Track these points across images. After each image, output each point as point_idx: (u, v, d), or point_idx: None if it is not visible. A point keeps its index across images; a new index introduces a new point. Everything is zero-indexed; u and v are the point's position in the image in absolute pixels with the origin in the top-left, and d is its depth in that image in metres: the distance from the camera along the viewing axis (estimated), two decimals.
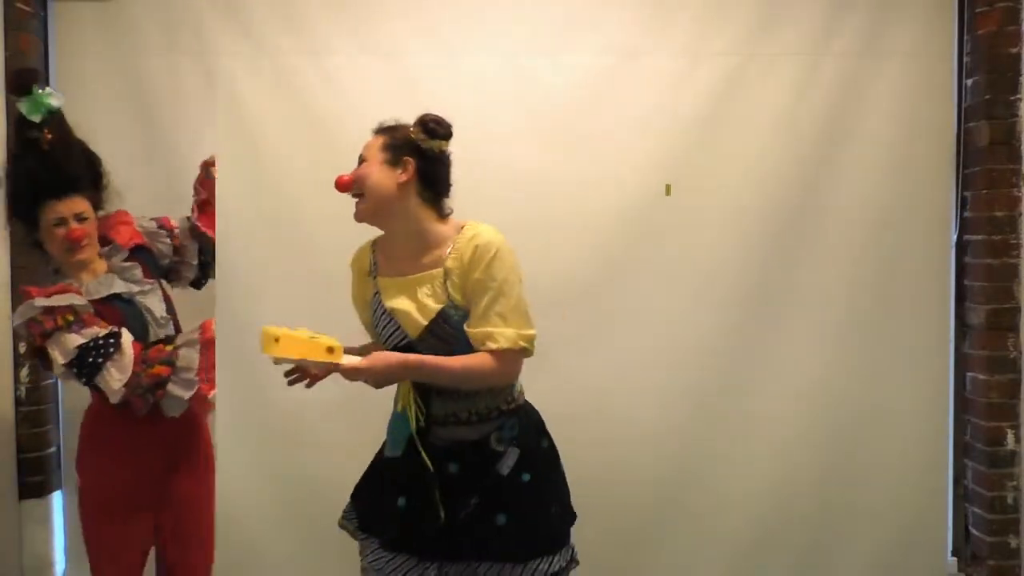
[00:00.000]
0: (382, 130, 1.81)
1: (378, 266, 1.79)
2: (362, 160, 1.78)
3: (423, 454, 1.67)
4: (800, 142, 2.41)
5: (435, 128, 1.78)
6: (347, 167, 2.39)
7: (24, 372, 2.36)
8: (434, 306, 1.67)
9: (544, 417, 1.83)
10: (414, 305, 1.69)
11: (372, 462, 1.89)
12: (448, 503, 1.67)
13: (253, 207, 2.40)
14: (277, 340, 1.65)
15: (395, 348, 1.71)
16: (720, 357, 2.43)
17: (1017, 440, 2.39)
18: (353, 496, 1.88)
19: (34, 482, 2.39)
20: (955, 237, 2.48)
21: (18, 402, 2.36)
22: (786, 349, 2.44)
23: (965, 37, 2.44)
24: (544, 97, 2.40)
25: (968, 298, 2.47)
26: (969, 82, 2.44)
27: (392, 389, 1.93)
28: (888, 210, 2.43)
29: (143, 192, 2.40)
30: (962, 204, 2.47)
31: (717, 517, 2.46)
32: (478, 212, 2.37)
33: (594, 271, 2.40)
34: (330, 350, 1.66)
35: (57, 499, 2.45)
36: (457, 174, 2.41)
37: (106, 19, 2.39)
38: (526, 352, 1.67)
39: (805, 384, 2.44)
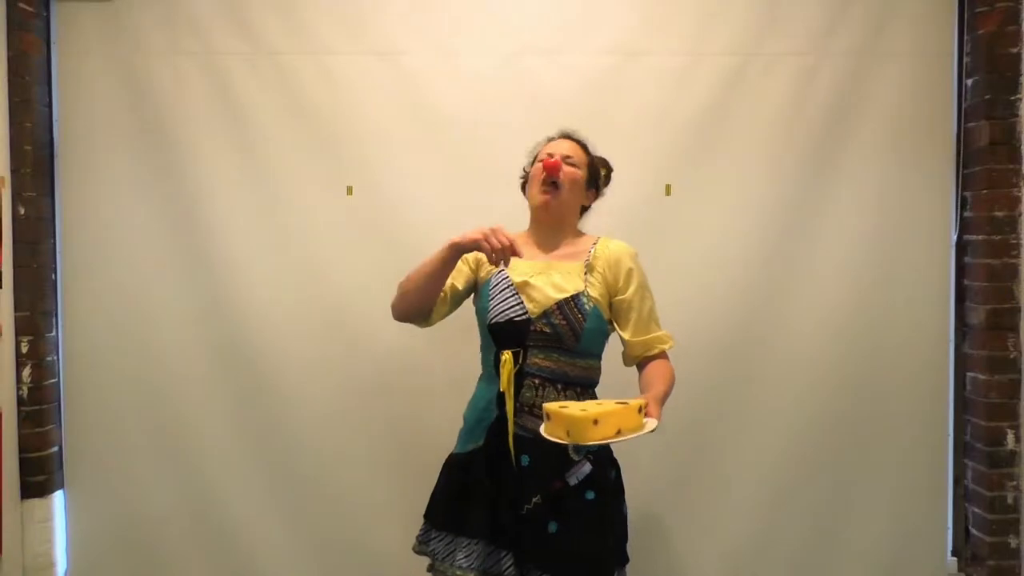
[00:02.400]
0: (583, 145, 1.95)
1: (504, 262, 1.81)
2: (565, 157, 1.87)
3: (509, 441, 1.72)
4: (800, 142, 2.41)
5: (607, 162, 2.00)
6: (347, 167, 2.42)
7: (26, 372, 2.37)
8: (570, 288, 1.77)
9: None
10: (548, 284, 1.78)
11: (443, 472, 1.90)
12: (513, 493, 1.70)
13: (252, 207, 2.41)
14: (596, 422, 1.45)
15: (506, 322, 1.77)
16: (720, 356, 2.43)
17: (1017, 440, 2.39)
18: (429, 514, 1.88)
19: (36, 482, 2.39)
20: (955, 237, 2.48)
21: (20, 402, 2.37)
22: (786, 349, 2.44)
23: (965, 37, 2.44)
24: (544, 97, 2.41)
25: (968, 298, 2.47)
26: (969, 82, 2.44)
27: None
28: (888, 210, 2.43)
29: (143, 192, 2.41)
30: (962, 204, 2.47)
31: (716, 517, 2.46)
32: (478, 212, 2.40)
33: None
34: (639, 409, 1.54)
35: (59, 499, 2.45)
36: (457, 174, 2.44)
37: (107, 19, 2.40)
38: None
39: (805, 383, 2.44)
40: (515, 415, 1.73)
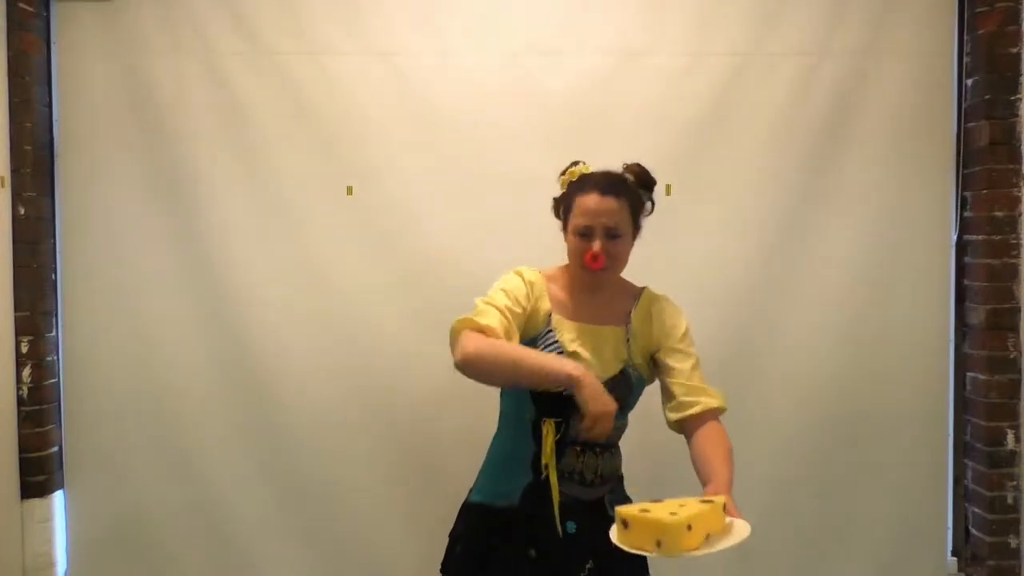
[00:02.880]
0: (621, 191, 1.66)
1: (552, 300, 1.68)
2: (607, 231, 1.63)
3: (555, 512, 1.61)
4: (800, 142, 2.41)
5: (649, 179, 1.75)
6: (347, 167, 2.42)
7: (26, 372, 2.37)
8: (616, 365, 1.65)
9: None
10: (596, 359, 1.64)
11: (465, 520, 1.74)
12: (565, 563, 1.62)
13: (252, 206, 2.41)
14: (689, 528, 1.28)
15: (555, 394, 1.56)
16: (719, 356, 2.42)
17: (1017, 440, 2.39)
18: (445, 566, 1.75)
19: (36, 482, 2.39)
20: (955, 237, 2.48)
21: (20, 402, 2.37)
22: (786, 349, 2.44)
23: (965, 37, 2.44)
24: (544, 97, 2.41)
25: (968, 298, 2.47)
26: (969, 82, 2.44)
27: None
28: (888, 210, 2.43)
29: (143, 192, 2.41)
30: (962, 204, 2.47)
31: None
32: (478, 212, 2.40)
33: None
34: (720, 506, 1.40)
35: (59, 499, 2.45)
36: (457, 174, 2.44)
37: (107, 19, 2.39)
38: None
39: (805, 384, 2.44)
40: (558, 481, 1.62)
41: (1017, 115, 2.35)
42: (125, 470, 2.44)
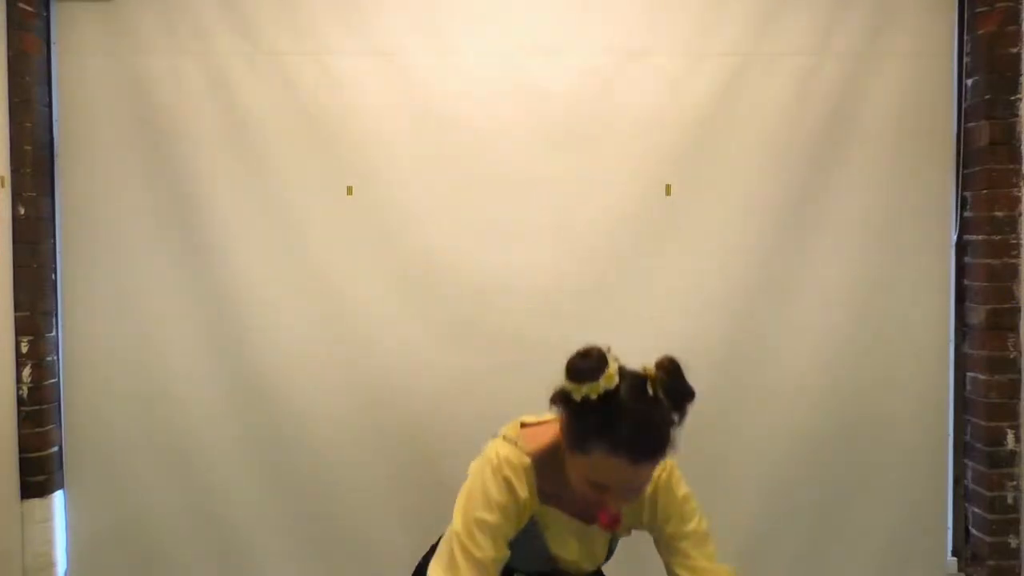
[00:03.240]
0: (660, 455, 1.28)
1: (544, 493, 1.37)
2: (632, 493, 1.31)
3: None
4: (800, 142, 2.41)
5: (684, 401, 1.28)
6: (347, 167, 2.42)
7: (26, 372, 2.37)
8: (602, 554, 1.46)
9: None
10: (583, 553, 1.43)
11: None
12: None
13: (252, 207, 2.41)
14: None
15: (533, 572, 1.45)
16: (719, 356, 2.43)
17: (1017, 440, 2.39)
18: None
19: (36, 482, 2.39)
20: (955, 237, 2.48)
21: (20, 402, 2.37)
22: (785, 349, 2.44)
23: (965, 37, 2.44)
24: (544, 97, 2.41)
25: (968, 298, 2.47)
26: (969, 82, 2.44)
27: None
28: (888, 210, 2.43)
29: (143, 192, 2.41)
30: (962, 204, 2.47)
31: (717, 517, 2.45)
32: (477, 211, 2.40)
33: (594, 271, 2.41)
34: None
35: (59, 499, 2.45)
36: (457, 174, 2.44)
37: (107, 19, 2.39)
38: None
39: (805, 383, 2.44)
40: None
41: (1017, 115, 2.35)
42: (125, 470, 2.44)
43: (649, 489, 1.36)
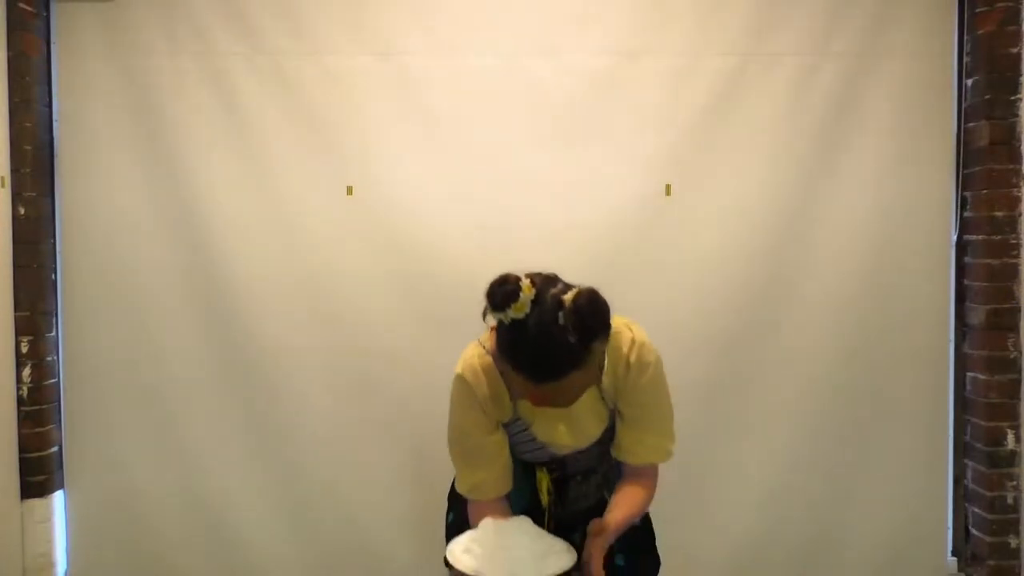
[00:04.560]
0: (560, 374, 1.32)
1: (509, 384, 1.47)
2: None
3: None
4: (800, 142, 2.41)
5: (595, 326, 1.31)
6: (347, 167, 2.42)
7: (26, 372, 2.37)
8: (596, 429, 1.53)
9: None
10: (573, 431, 1.51)
11: (461, 514, 1.61)
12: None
13: (252, 207, 2.41)
14: None
15: (538, 462, 1.57)
16: (719, 356, 2.43)
17: (1017, 440, 2.39)
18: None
19: (36, 482, 2.39)
20: (955, 237, 2.48)
21: (20, 402, 2.37)
22: (786, 349, 2.44)
23: (965, 37, 2.44)
24: (544, 97, 2.41)
25: (968, 298, 2.47)
26: (969, 82, 2.44)
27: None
28: (888, 210, 2.43)
29: (143, 192, 2.41)
30: (962, 204, 2.47)
31: (716, 517, 2.46)
32: (477, 211, 2.40)
33: (593, 271, 2.37)
34: None
35: (59, 499, 2.45)
36: (457, 174, 2.44)
37: (107, 19, 2.40)
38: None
39: (805, 384, 2.45)
40: (567, 505, 1.59)
41: (1017, 115, 2.35)
42: (125, 470, 2.44)
43: (615, 367, 1.46)
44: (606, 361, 1.47)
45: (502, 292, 1.30)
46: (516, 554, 1.36)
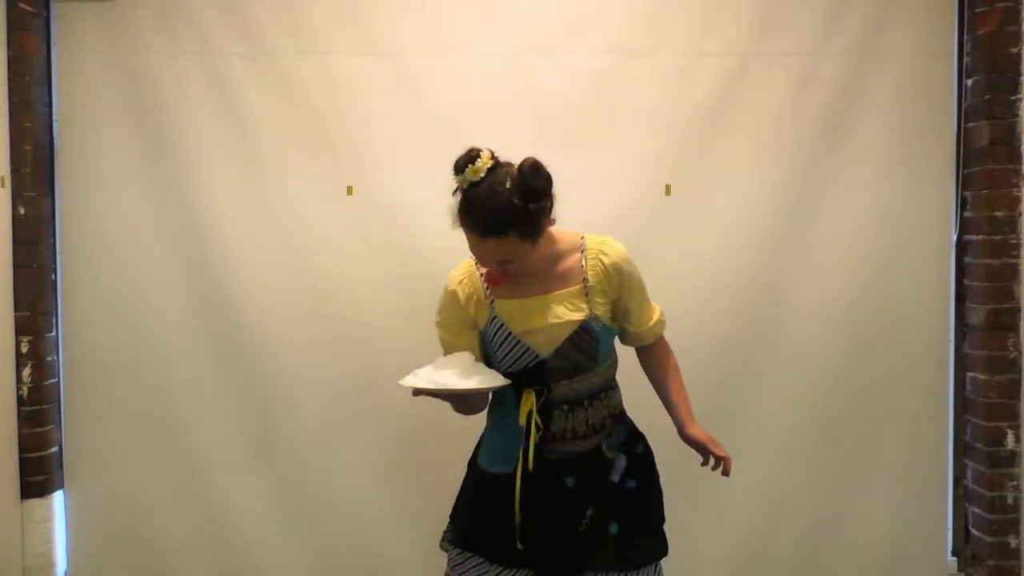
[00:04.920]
0: (502, 231, 1.52)
1: (491, 290, 1.67)
2: (505, 263, 1.58)
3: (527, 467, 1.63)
4: (800, 142, 2.41)
5: (536, 188, 1.55)
6: (347, 167, 2.42)
7: (26, 372, 2.37)
8: (576, 318, 1.63)
9: None
10: (551, 323, 1.63)
11: (469, 478, 1.80)
12: (566, 517, 1.65)
13: (252, 206, 2.41)
14: None
15: (521, 370, 1.65)
16: (719, 357, 2.43)
17: (1017, 440, 2.39)
18: (453, 515, 1.79)
19: (36, 482, 2.39)
20: (955, 237, 2.48)
21: (20, 402, 2.37)
22: (785, 349, 2.44)
23: (965, 37, 2.44)
24: (544, 97, 2.41)
25: (968, 298, 2.47)
26: (969, 82, 2.44)
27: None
28: (888, 210, 2.43)
29: (143, 192, 2.41)
30: (962, 204, 2.47)
31: (716, 517, 2.46)
32: None
33: None
34: None
35: (59, 499, 2.45)
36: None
37: (107, 19, 2.40)
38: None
39: (805, 384, 2.45)
40: (549, 443, 1.65)
41: (1017, 115, 2.35)
42: (125, 470, 2.44)
43: (600, 269, 1.67)
44: (586, 260, 1.67)
45: (465, 157, 1.53)
46: (445, 371, 1.61)
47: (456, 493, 1.81)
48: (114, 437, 2.44)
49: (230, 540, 2.45)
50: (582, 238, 1.71)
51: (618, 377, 1.78)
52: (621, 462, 1.70)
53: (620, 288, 1.69)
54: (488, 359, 1.71)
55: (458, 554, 1.73)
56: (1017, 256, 2.38)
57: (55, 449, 2.44)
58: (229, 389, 2.43)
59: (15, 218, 2.34)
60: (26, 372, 2.37)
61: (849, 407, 2.45)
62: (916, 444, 2.47)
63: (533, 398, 1.64)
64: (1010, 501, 2.39)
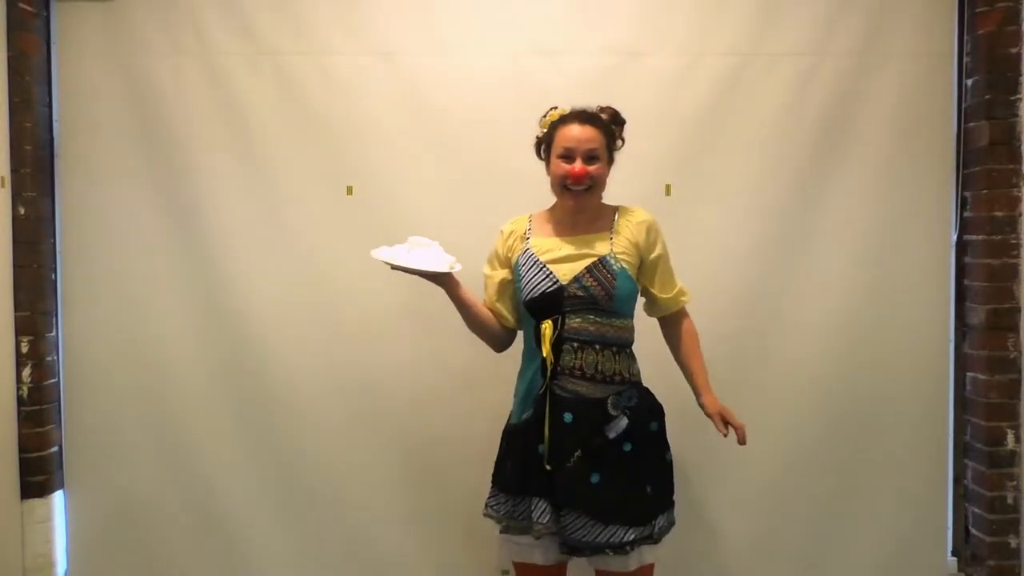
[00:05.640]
0: (597, 123, 1.90)
1: (532, 231, 1.95)
2: (587, 153, 1.86)
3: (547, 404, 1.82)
4: (800, 142, 2.41)
5: (620, 118, 1.96)
6: (347, 167, 2.42)
7: (26, 372, 2.37)
8: (597, 252, 1.85)
9: None
10: (575, 253, 1.86)
11: (503, 438, 1.97)
12: (555, 451, 1.80)
13: (252, 206, 2.41)
14: None
15: (542, 295, 1.84)
16: (719, 356, 2.42)
17: (1017, 440, 2.39)
18: (497, 480, 1.95)
19: (36, 482, 2.39)
20: (955, 237, 2.48)
21: (20, 402, 2.37)
22: (786, 349, 2.44)
23: (965, 37, 2.44)
24: (544, 97, 2.39)
25: (968, 298, 2.47)
26: (969, 82, 2.44)
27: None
28: (888, 210, 2.43)
29: (143, 192, 2.41)
30: (962, 204, 2.47)
31: (716, 516, 2.46)
32: (478, 212, 2.40)
33: None
34: None
35: (59, 499, 2.45)
36: (457, 174, 2.44)
37: (108, 19, 2.40)
38: None
39: (805, 384, 2.45)
40: (556, 378, 1.82)
41: (1017, 115, 2.35)
42: (125, 470, 2.44)
43: (628, 223, 1.92)
44: (618, 218, 1.92)
45: (549, 108, 1.96)
46: (399, 248, 1.88)
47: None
48: (114, 437, 2.44)
49: (230, 540, 2.45)
50: (618, 206, 1.96)
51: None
52: (621, 422, 1.82)
53: (648, 246, 1.90)
54: (519, 292, 1.91)
55: (498, 503, 1.91)
56: (1017, 256, 2.37)
57: (55, 449, 2.44)
58: (229, 388, 2.43)
59: (15, 218, 2.35)
60: (26, 372, 2.37)
61: (849, 407, 2.45)
62: (916, 444, 2.47)
63: (551, 326, 1.81)
64: (1010, 501, 2.39)
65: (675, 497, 1.96)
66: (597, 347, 1.83)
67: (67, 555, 2.47)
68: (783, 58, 2.41)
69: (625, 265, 1.86)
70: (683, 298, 1.98)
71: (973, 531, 2.47)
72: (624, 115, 1.98)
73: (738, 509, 2.45)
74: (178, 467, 2.44)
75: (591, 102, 2.37)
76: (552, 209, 1.98)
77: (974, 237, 2.44)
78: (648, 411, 1.89)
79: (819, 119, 2.41)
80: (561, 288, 1.83)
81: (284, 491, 2.45)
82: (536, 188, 2.40)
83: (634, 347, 1.95)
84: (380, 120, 2.41)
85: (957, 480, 2.51)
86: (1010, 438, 2.39)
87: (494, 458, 1.99)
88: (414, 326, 2.42)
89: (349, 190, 2.42)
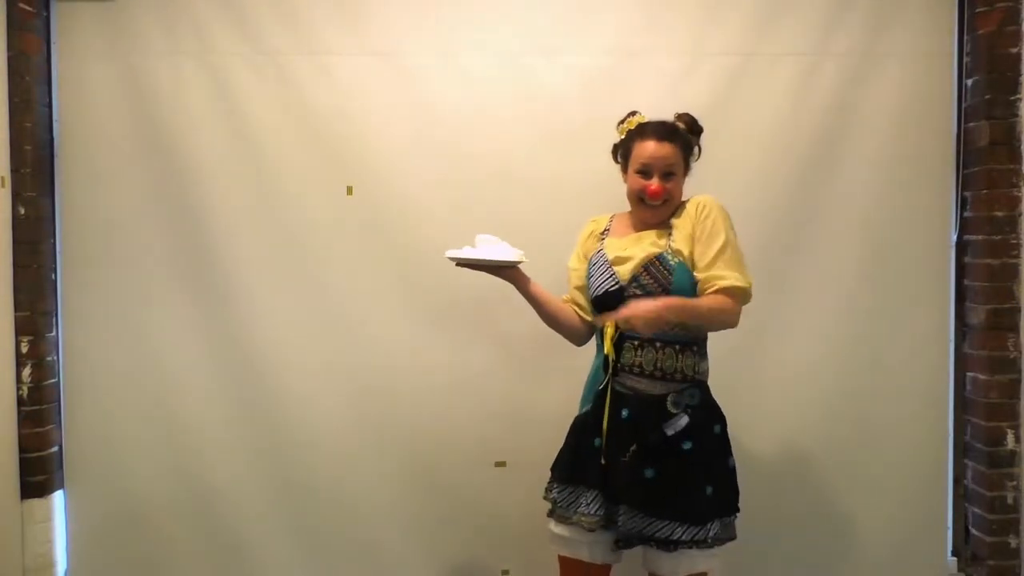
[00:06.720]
0: (675, 139, 1.92)
1: (609, 231, 1.99)
2: (664, 171, 1.89)
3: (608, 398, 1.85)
4: (800, 142, 2.41)
5: (698, 127, 2.00)
6: (347, 167, 2.42)
7: (26, 372, 2.37)
8: (653, 250, 1.86)
9: None
10: (634, 250, 1.88)
11: (568, 434, 1.98)
12: (612, 445, 1.83)
13: (252, 206, 2.41)
14: None
15: (604, 294, 1.88)
16: (719, 356, 2.41)
17: (1017, 440, 2.39)
18: (554, 468, 1.97)
19: (36, 482, 2.39)
20: (955, 237, 2.48)
21: (20, 402, 2.37)
22: (786, 349, 2.44)
23: (965, 37, 2.44)
24: (544, 97, 2.41)
25: (968, 298, 2.47)
26: (969, 82, 2.44)
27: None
28: (888, 210, 2.43)
29: (143, 192, 2.41)
30: (962, 204, 2.47)
31: None
32: (478, 212, 2.40)
33: None
34: None
35: (59, 499, 2.45)
36: (457, 174, 2.44)
37: (108, 19, 2.40)
38: (747, 294, 1.87)
39: (804, 384, 2.45)
40: (616, 375, 1.85)
41: (1017, 115, 2.35)
42: (125, 470, 2.44)
43: (686, 212, 1.90)
44: (680, 211, 1.92)
45: (628, 113, 2.00)
46: (467, 248, 1.89)
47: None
48: (114, 437, 2.44)
49: (230, 540, 2.45)
50: (690, 198, 1.94)
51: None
52: (681, 420, 1.81)
53: (694, 221, 1.87)
54: (588, 291, 1.96)
55: (551, 488, 1.94)
56: (1017, 256, 2.37)
57: (55, 449, 2.44)
58: (228, 388, 2.43)
59: (15, 218, 2.34)
60: (26, 372, 2.37)
61: (849, 407, 2.45)
62: (916, 444, 2.47)
63: (613, 324, 1.84)
64: (1010, 501, 2.39)
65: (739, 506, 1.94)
66: (658, 344, 1.84)
67: (67, 555, 2.47)
68: (783, 58, 2.41)
69: (683, 260, 1.85)
70: (719, 281, 1.82)
71: (973, 531, 2.47)
72: (625, 114, 1.99)
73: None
74: (178, 467, 2.44)
75: (591, 102, 2.41)
76: (630, 212, 2.00)
77: (974, 237, 2.44)
78: (711, 413, 1.89)
79: (819, 119, 2.41)
80: (621, 288, 1.86)
81: (285, 489, 2.45)
82: (535, 187, 2.41)
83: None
84: (380, 120, 2.41)
85: (957, 480, 2.51)
86: (1010, 438, 2.39)
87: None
88: (414, 325, 2.42)
89: (349, 190, 2.42)
